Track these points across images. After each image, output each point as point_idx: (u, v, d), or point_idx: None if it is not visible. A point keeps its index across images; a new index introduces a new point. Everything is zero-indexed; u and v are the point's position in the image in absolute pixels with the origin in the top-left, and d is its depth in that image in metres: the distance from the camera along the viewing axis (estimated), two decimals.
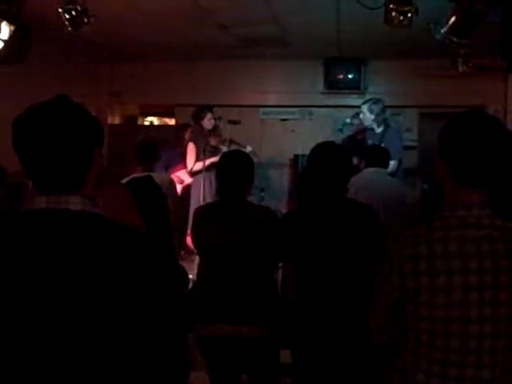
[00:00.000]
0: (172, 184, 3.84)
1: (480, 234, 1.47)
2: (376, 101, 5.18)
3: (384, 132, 5.07)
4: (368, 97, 7.22)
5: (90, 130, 1.33)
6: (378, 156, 4.18)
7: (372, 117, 5.05)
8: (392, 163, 4.48)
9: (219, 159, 2.84)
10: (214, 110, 5.84)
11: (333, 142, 2.76)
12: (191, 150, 5.64)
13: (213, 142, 5.66)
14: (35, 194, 1.29)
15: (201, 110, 5.71)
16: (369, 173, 4.09)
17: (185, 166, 5.89)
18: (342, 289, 2.45)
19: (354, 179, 4.35)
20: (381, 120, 5.10)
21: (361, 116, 5.25)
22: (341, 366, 2.47)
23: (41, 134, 1.26)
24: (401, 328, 1.58)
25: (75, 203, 1.26)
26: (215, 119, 5.75)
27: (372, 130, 5.18)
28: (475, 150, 1.48)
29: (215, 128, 5.77)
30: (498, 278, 1.44)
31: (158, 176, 3.78)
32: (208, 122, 5.67)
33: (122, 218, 1.36)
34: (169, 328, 1.34)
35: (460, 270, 1.44)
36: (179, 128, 6.92)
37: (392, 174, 4.53)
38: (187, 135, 6.26)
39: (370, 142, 5.14)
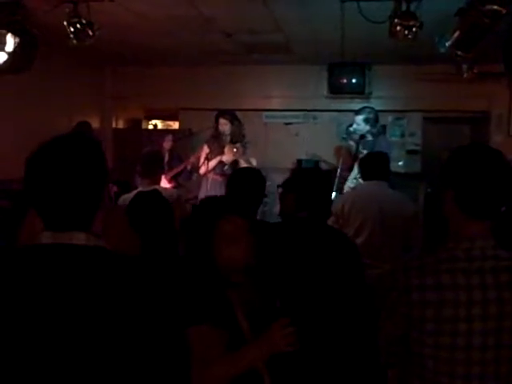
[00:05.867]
0: (179, 199, 3.87)
1: (484, 266, 1.53)
2: (370, 111, 5.16)
3: (375, 140, 5.06)
4: (372, 101, 7.24)
5: (102, 171, 1.33)
6: (376, 167, 3.81)
7: (367, 128, 5.04)
8: None
9: (231, 174, 2.76)
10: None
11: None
12: (204, 151, 5.74)
13: (225, 157, 5.65)
14: (38, 219, 1.30)
15: (217, 115, 5.80)
16: (367, 185, 3.82)
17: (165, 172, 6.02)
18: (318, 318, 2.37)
19: (347, 193, 4.22)
20: (375, 130, 5.09)
21: (354, 126, 5.20)
22: None
23: (52, 174, 1.26)
24: (407, 353, 1.62)
25: (78, 238, 1.27)
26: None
27: (364, 137, 5.18)
28: (482, 182, 1.55)
29: (234, 139, 5.73)
30: (503, 308, 1.50)
31: (164, 190, 3.79)
32: (221, 127, 5.73)
33: (121, 243, 1.39)
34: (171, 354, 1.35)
35: (465, 301, 1.50)
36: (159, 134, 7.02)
37: None
38: (166, 143, 6.34)
39: (363, 150, 5.03)
